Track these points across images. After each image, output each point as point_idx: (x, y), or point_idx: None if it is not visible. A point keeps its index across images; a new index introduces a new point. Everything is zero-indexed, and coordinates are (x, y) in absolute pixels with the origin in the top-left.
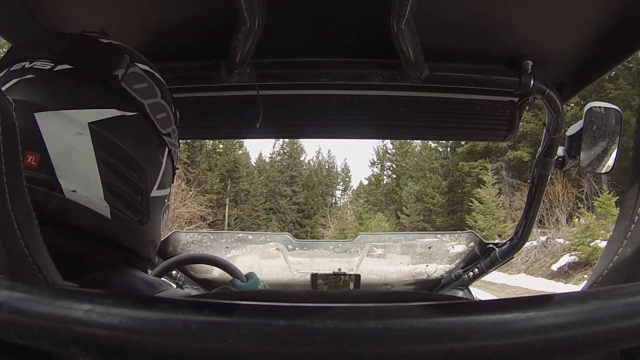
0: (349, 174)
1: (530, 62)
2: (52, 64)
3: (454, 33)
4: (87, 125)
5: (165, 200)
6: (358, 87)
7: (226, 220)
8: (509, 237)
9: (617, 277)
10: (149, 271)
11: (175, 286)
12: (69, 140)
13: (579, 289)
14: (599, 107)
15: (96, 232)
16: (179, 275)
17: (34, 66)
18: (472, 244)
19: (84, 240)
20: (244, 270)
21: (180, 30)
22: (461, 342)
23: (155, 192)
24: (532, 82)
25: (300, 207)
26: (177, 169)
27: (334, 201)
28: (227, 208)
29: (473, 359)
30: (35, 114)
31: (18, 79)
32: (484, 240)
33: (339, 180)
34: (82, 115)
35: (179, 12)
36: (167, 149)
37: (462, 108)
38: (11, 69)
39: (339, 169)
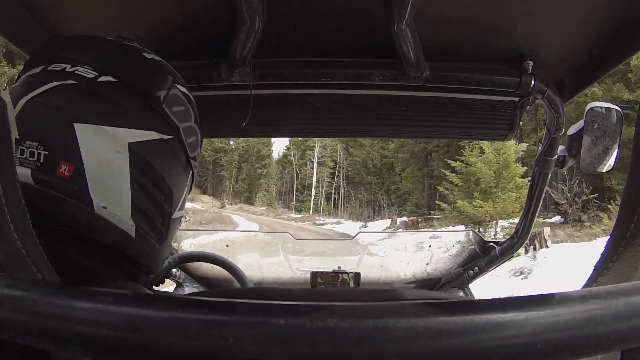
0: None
1: (531, 62)
2: (96, 73)
3: (454, 33)
4: (127, 144)
5: (181, 220)
6: (358, 87)
7: None
8: (510, 236)
9: (617, 276)
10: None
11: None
12: (107, 157)
13: (580, 289)
14: (600, 107)
15: (118, 249)
16: (178, 273)
17: (76, 72)
18: (472, 242)
19: (103, 256)
20: (245, 269)
21: (180, 29)
22: (461, 341)
23: (176, 214)
24: (532, 82)
25: None
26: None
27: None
28: None
29: (473, 358)
30: (74, 124)
31: (58, 83)
32: (484, 239)
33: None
34: (124, 134)
35: (179, 11)
36: (191, 172)
37: (462, 108)
38: (49, 68)
39: None
